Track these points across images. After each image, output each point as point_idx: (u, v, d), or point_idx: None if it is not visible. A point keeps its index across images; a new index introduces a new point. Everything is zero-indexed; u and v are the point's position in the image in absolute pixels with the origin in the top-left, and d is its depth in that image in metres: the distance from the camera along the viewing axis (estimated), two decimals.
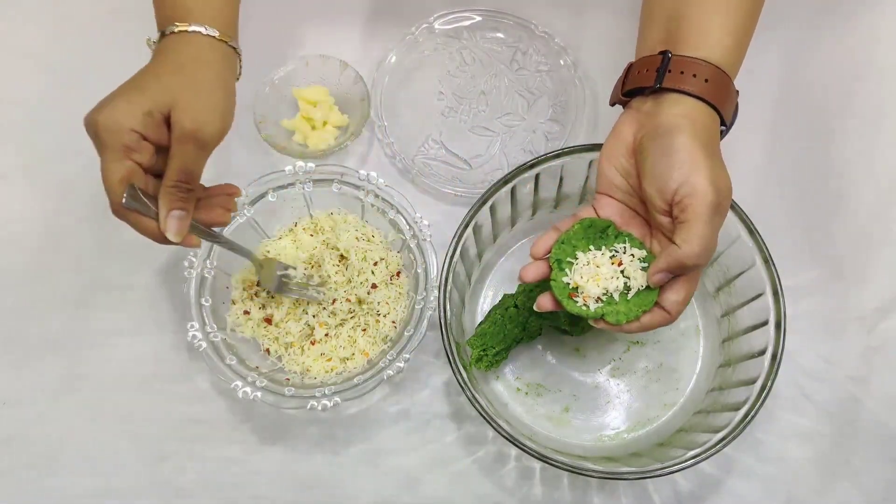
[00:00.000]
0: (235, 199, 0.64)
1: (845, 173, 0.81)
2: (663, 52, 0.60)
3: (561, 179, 0.73)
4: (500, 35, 0.86)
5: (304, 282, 0.72)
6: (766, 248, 0.67)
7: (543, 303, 0.63)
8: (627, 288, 0.60)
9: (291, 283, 0.71)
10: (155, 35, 0.62)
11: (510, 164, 0.81)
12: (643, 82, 0.61)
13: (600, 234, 0.62)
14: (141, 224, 0.57)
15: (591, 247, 0.62)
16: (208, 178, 0.80)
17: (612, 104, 0.67)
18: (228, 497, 0.73)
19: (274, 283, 0.71)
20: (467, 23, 0.85)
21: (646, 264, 0.60)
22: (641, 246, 0.61)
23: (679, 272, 0.58)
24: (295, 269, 0.72)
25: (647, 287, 0.60)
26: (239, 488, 0.73)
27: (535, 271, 0.63)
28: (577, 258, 0.61)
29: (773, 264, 0.67)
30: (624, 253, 0.61)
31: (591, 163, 0.71)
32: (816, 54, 0.84)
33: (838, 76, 0.84)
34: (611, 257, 0.61)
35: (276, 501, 0.73)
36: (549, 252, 0.62)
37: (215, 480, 0.73)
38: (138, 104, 0.55)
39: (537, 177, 0.71)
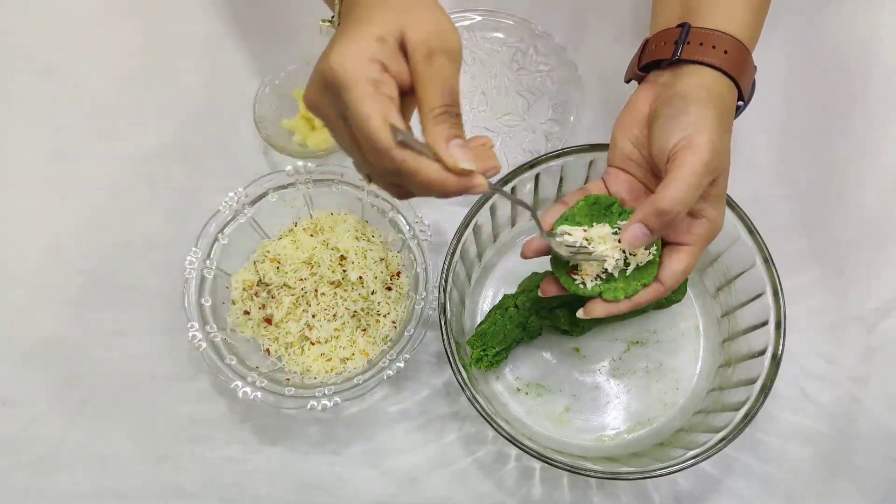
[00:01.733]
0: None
1: (846, 173, 0.81)
2: (682, 24, 0.60)
3: (561, 179, 0.73)
4: (500, 35, 0.86)
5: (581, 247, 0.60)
6: (766, 248, 0.67)
7: (547, 287, 0.62)
8: (627, 265, 0.59)
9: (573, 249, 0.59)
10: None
11: (510, 164, 0.81)
12: (661, 55, 0.60)
13: (605, 210, 0.61)
14: (421, 169, 0.46)
15: (594, 224, 0.61)
16: (209, 175, 0.81)
17: (628, 80, 0.66)
18: (228, 497, 0.73)
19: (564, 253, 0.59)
20: (467, 23, 0.85)
21: None
22: None
23: (654, 222, 0.55)
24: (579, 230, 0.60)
25: (648, 263, 0.59)
26: (239, 488, 0.73)
27: (534, 247, 0.61)
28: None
29: (773, 264, 0.67)
30: None
31: (591, 163, 0.71)
32: (818, 54, 0.84)
33: (839, 75, 0.84)
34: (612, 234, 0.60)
35: (276, 501, 0.73)
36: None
37: (215, 480, 0.73)
38: (367, 34, 0.47)
39: (537, 177, 0.71)
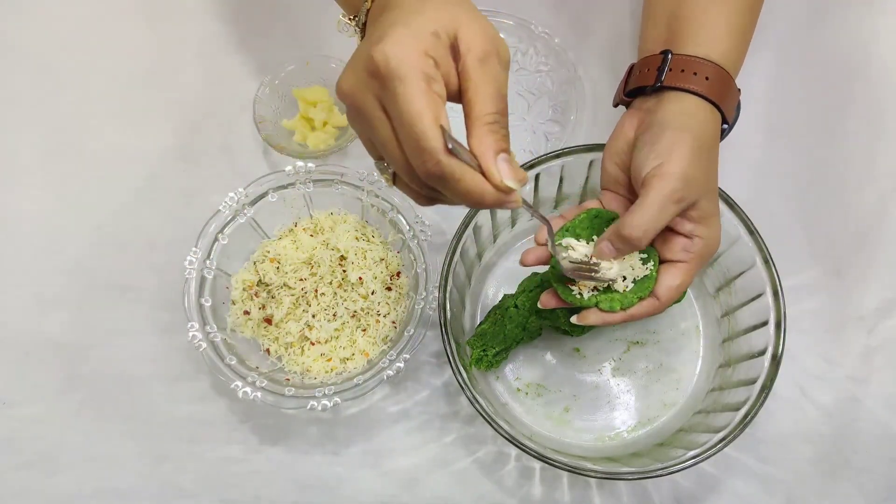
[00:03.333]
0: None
1: (845, 173, 0.81)
2: (664, 52, 0.60)
3: (561, 179, 0.73)
4: (500, 35, 0.85)
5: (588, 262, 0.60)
6: (766, 248, 0.67)
7: (546, 300, 0.62)
8: (624, 278, 0.60)
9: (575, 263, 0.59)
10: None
11: None
12: (644, 81, 0.61)
13: (605, 224, 0.62)
14: (465, 179, 0.44)
15: (595, 237, 0.61)
16: (209, 175, 0.81)
17: (616, 105, 0.67)
18: (228, 497, 0.73)
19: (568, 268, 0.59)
20: None
21: (644, 255, 0.60)
22: None
23: (618, 243, 0.57)
24: (581, 243, 0.61)
25: (645, 276, 0.60)
26: (239, 488, 0.73)
27: (535, 255, 0.62)
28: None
29: (773, 264, 0.67)
30: None
31: (591, 163, 0.71)
32: (816, 53, 0.84)
33: (838, 75, 0.84)
34: None
35: (276, 501, 0.73)
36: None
37: (215, 480, 0.73)
38: (423, 26, 0.44)
39: (537, 177, 0.71)
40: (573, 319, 0.62)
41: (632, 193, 0.62)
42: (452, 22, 0.45)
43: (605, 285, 0.60)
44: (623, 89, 0.64)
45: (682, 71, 0.59)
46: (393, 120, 0.45)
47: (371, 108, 0.46)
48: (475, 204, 0.45)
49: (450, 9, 0.46)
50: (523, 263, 0.62)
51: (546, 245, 0.61)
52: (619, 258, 0.59)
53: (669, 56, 0.60)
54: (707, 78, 0.59)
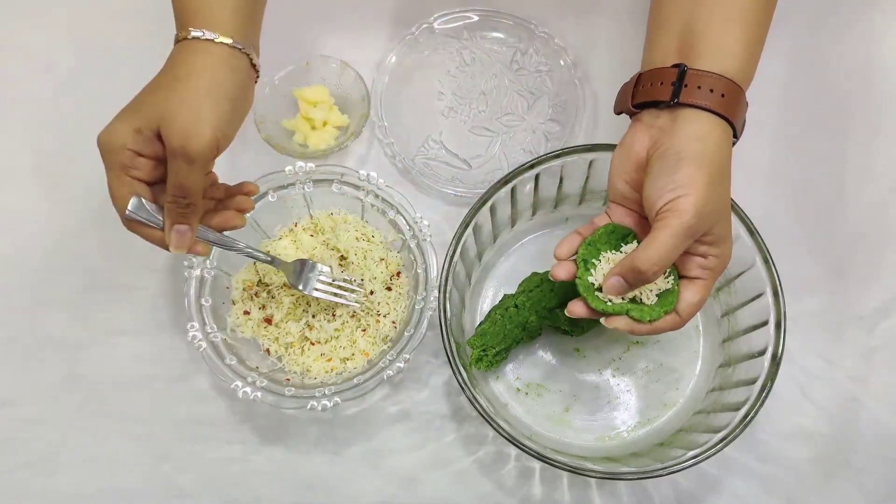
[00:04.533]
0: (252, 196, 0.67)
1: (846, 173, 0.81)
2: (678, 65, 0.59)
3: (561, 179, 0.73)
4: (500, 35, 0.86)
5: (337, 283, 0.72)
6: (766, 248, 0.67)
7: (575, 308, 0.61)
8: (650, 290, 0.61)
9: (325, 284, 0.71)
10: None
11: (510, 164, 0.81)
12: (657, 96, 0.60)
13: (621, 240, 0.62)
14: (149, 235, 0.61)
15: (614, 250, 0.62)
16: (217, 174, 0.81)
17: (618, 113, 0.66)
18: (228, 497, 0.73)
19: (305, 284, 0.70)
20: (467, 23, 0.85)
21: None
22: None
23: (630, 277, 0.58)
24: (329, 268, 0.72)
25: (667, 290, 0.60)
26: (239, 488, 0.73)
27: (565, 270, 0.62)
28: (601, 259, 0.62)
29: (773, 264, 0.67)
30: None
31: (591, 163, 0.71)
32: (818, 55, 0.84)
33: (839, 77, 0.84)
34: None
35: (276, 501, 0.73)
36: (574, 253, 0.62)
37: (215, 480, 0.73)
38: (129, 123, 0.58)
39: (537, 177, 0.71)
40: (603, 321, 0.61)
41: (642, 209, 0.62)
42: (156, 119, 0.57)
43: (633, 295, 0.60)
44: (630, 100, 0.63)
45: (699, 88, 0.58)
46: None
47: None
48: (167, 250, 0.61)
49: (161, 104, 0.57)
50: (556, 278, 0.62)
51: (570, 259, 0.62)
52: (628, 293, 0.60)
53: (685, 71, 0.59)
54: (723, 95, 0.58)
